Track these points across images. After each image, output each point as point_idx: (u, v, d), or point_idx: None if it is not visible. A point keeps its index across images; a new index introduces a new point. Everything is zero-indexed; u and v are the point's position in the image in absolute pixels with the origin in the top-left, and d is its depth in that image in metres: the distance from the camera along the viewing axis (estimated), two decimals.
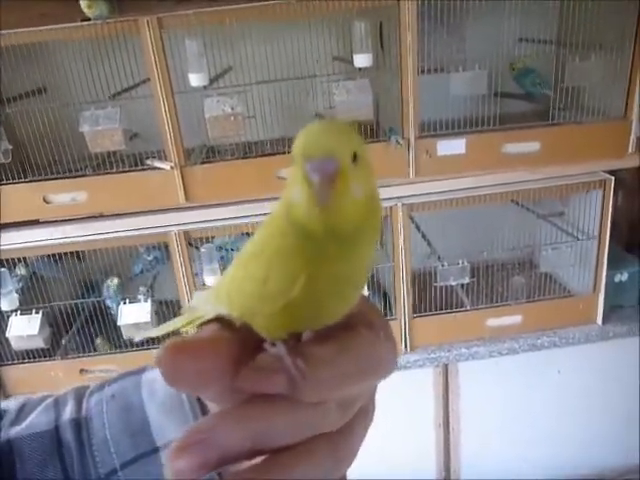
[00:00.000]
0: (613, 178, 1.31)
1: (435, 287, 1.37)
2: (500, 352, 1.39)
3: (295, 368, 0.23)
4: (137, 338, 1.33)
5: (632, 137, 1.27)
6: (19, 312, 1.31)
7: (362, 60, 1.19)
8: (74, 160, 1.22)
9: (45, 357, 1.35)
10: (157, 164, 1.21)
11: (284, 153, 1.21)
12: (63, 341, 1.37)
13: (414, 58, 1.16)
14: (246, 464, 0.23)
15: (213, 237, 1.34)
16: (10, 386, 1.36)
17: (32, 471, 0.34)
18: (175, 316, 0.33)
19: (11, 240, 1.24)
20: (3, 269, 1.27)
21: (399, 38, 1.15)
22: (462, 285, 1.40)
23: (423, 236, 1.41)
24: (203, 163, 1.22)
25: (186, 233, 1.25)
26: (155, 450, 0.34)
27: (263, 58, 1.23)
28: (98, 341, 1.39)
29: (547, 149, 1.26)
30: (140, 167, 1.22)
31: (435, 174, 1.27)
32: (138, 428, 0.34)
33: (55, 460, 0.34)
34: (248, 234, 1.29)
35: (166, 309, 1.39)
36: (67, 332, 1.38)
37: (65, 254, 1.32)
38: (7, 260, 1.28)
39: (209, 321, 0.28)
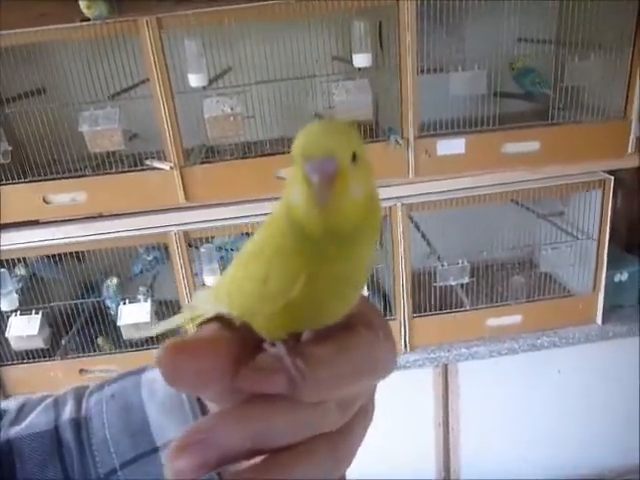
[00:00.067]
0: (613, 178, 1.31)
1: (435, 287, 1.37)
2: (500, 352, 1.39)
3: (295, 368, 0.23)
4: (137, 336, 1.33)
5: (632, 137, 1.27)
6: (19, 312, 1.31)
7: (361, 60, 1.19)
8: (73, 160, 1.22)
9: (45, 357, 1.35)
10: (156, 164, 1.21)
11: (283, 153, 1.21)
12: (63, 341, 1.37)
13: (413, 58, 1.16)
14: (246, 464, 0.23)
15: (213, 237, 1.34)
16: (10, 386, 1.36)
17: (32, 471, 0.34)
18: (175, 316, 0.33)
19: (11, 240, 1.24)
20: (3, 269, 1.27)
21: (398, 38, 1.15)
22: (462, 285, 1.40)
23: (423, 236, 1.41)
24: (202, 163, 1.22)
25: (186, 233, 1.25)
26: (155, 450, 0.34)
27: (262, 58, 1.23)
28: (99, 341, 1.39)
29: (547, 149, 1.26)
30: (139, 167, 1.22)
31: (435, 174, 1.27)
32: (138, 428, 0.34)
33: (55, 460, 0.34)
34: (248, 234, 1.29)
35: (166, 309, 1.39)
36: (67, 332, 1.38)
37: (65, 254, 1.32)
38: (7, 260, 1.28)
39: (209, 320, 0.28)
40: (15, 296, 1.30)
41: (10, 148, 1.19)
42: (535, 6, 1.26)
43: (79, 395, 0.37)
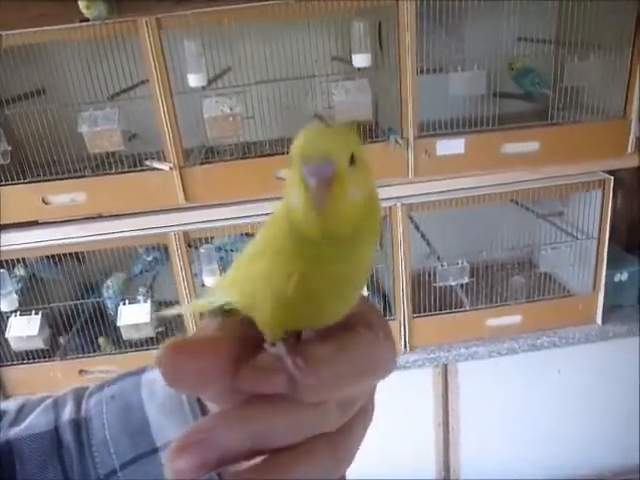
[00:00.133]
0: (612, 178, 1.31)
1: (434, 287, 1.37)
2: (500, 352, 1.39)
3: (295, 368, 0.23)
4: (137, 336, 1.32)
5: (631, 137, 1.27)
6: (19, 313, 1.31)
7: (361, 60, 1.19)
8: (73, 161, 1.22)
9: (44, 358, 1.35)
10: (156, 165, 1.21)
11: (283, 153, 1.21)
12: (62, 342, 1.37)
13: (413, 58, 1.16)
14: (246, 464, 0.23)
15: (212, 238, 1.34)
16: (9, 387, 1.36)
17: (32, 472, 0.34)
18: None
19: (10, 241, 1.24)
20: (2, 270, 1.27)
21: (398, 38, 1.15)
22: (461, 285, 1.40)
23: (422, 236, 1.41)
24: (202, 164, 1.22)
25: (185, 234, 1.25)
26: (155, 450, 0.34)
27: (262, 58, 1.23)
28: (100, 341, 1.39)
29: (546, 149, 1.26)
30: (139, 168, 1.22)
31: (434, 174, 1.27)
32: (138, 428, 0.34)
33: (55, 461, 0.34)
34: (247, 234, 1.29)
35: (165, 309, 1.39)
36: (67, 333, 1.38)
37: (64, 255, 1.32)
38: (6, 261, 1.28)
39: (221, 309, 0.28)
40: (15, 296, 1.30)
41: (10, 148, 1.20)
42: (535, 6, 1.26)
43: (79, 396, 0.37)
